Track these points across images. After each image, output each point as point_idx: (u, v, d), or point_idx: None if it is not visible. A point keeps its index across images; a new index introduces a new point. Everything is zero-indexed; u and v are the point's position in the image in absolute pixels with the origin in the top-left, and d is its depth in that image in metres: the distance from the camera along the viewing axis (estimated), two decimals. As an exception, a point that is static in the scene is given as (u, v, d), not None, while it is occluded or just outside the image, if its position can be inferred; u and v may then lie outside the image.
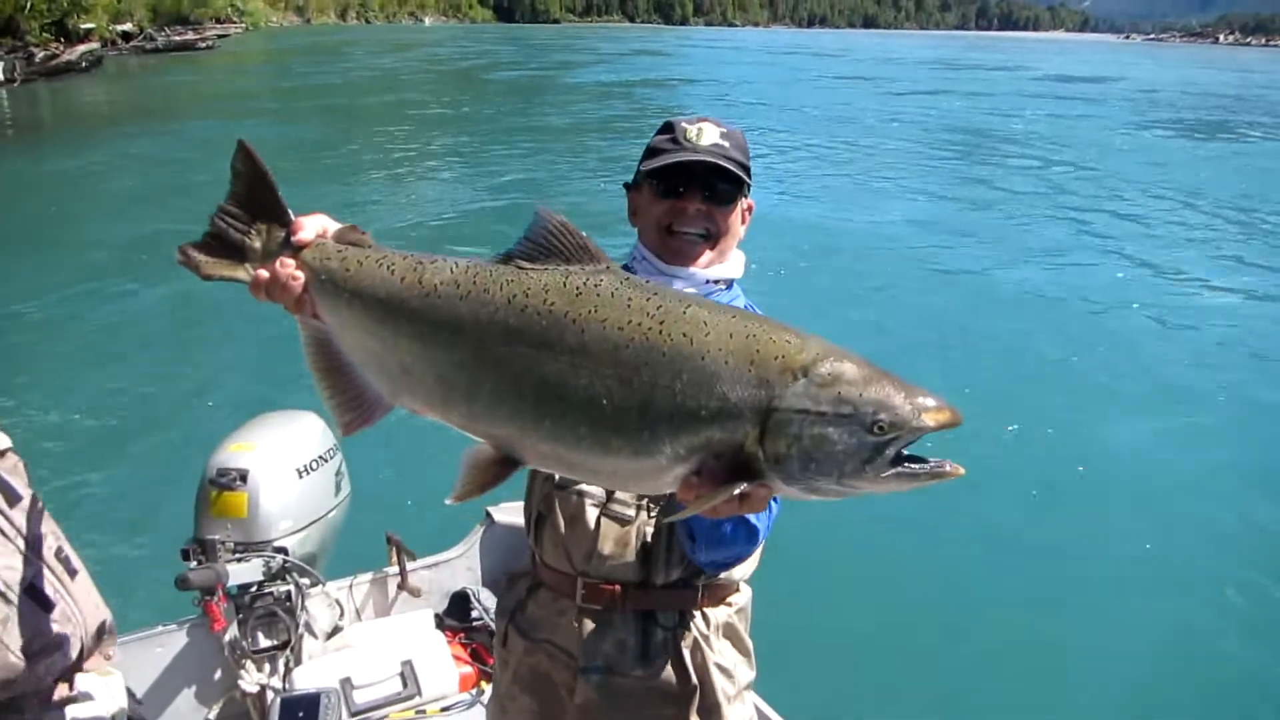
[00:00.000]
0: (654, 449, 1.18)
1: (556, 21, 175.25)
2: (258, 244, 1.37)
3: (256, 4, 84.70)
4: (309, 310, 1.34)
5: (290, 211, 1.38)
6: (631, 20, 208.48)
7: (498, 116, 26.50)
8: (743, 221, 1.86)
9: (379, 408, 1.34)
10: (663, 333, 1.18)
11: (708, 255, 1.78)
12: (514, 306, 1.22)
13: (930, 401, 1.16)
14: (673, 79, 41.74)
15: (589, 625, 1.83)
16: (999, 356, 8.40)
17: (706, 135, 1.76)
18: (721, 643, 1.89)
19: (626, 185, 1.91)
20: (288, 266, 1.33)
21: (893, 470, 1.15)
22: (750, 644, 1.97)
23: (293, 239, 1.35)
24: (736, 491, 1.17)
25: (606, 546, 1.81)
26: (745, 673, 1.95)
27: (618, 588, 1.81)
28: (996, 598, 4.87)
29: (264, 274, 1.34)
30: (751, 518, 1.63)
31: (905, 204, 14.78)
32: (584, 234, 1.29)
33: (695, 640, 1.85)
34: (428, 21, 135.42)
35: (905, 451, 1.16)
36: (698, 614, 1.86)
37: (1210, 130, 27.87)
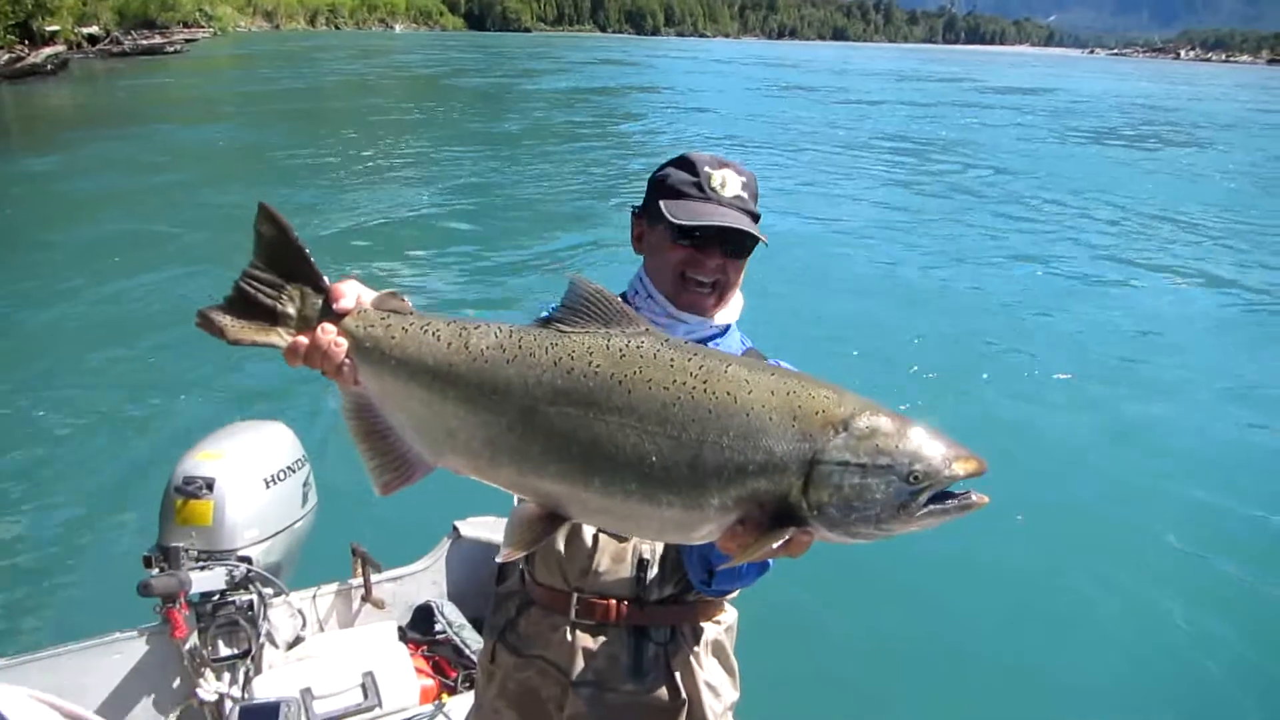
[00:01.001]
0: (703, 502, 1.26)
1: (528, 30, 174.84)
2: (292, 310, 1.38)
3: (225, 9, 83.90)
4: (350, 377, 1.36)
5: (325, 277, 1.39)
6: (603, 30, 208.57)
7: (460, 121, 26.70)
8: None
9: (420, 469, 1.38)
10: (707, 391, 1.26)
11: (717, 306, 1.83)
12: (560, 369, 1.28)
13: (960, 452, 1.27)
14: (632, 87, 42.15)
15: (582, 640, 1.86)
16: (946, 357, 8.57)
17: (730, 185, 1.78)
18: (710, 660, 1.93)
19: (633, 210, 1.92)
20: (330, 333, 1.35)
21: (926, 511, 1.25)
22: (736, 664, 2.01)
23: (334, 306, 1.37)
24: (783, 539, 1.25)
25: (603, 563, 1.85)
26: (730, 692, 1.98)
27: (612, 603, 1.85)
28: (982, 619, 4.87)
29: (304, 341, 1.36)
30: None
31: (839, 207, 15.39)
32: (619, 298, 1.35)
33: (685, 656, 1.88)
34: (398, 29, 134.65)
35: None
36: (688, 629, 1.90)
37: (1132, 139, 28.81)
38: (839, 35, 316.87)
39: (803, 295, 9.93)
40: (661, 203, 1.78)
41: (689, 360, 1.29)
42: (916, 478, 1.23)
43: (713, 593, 1.84)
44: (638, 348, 1.29)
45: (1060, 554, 5.46)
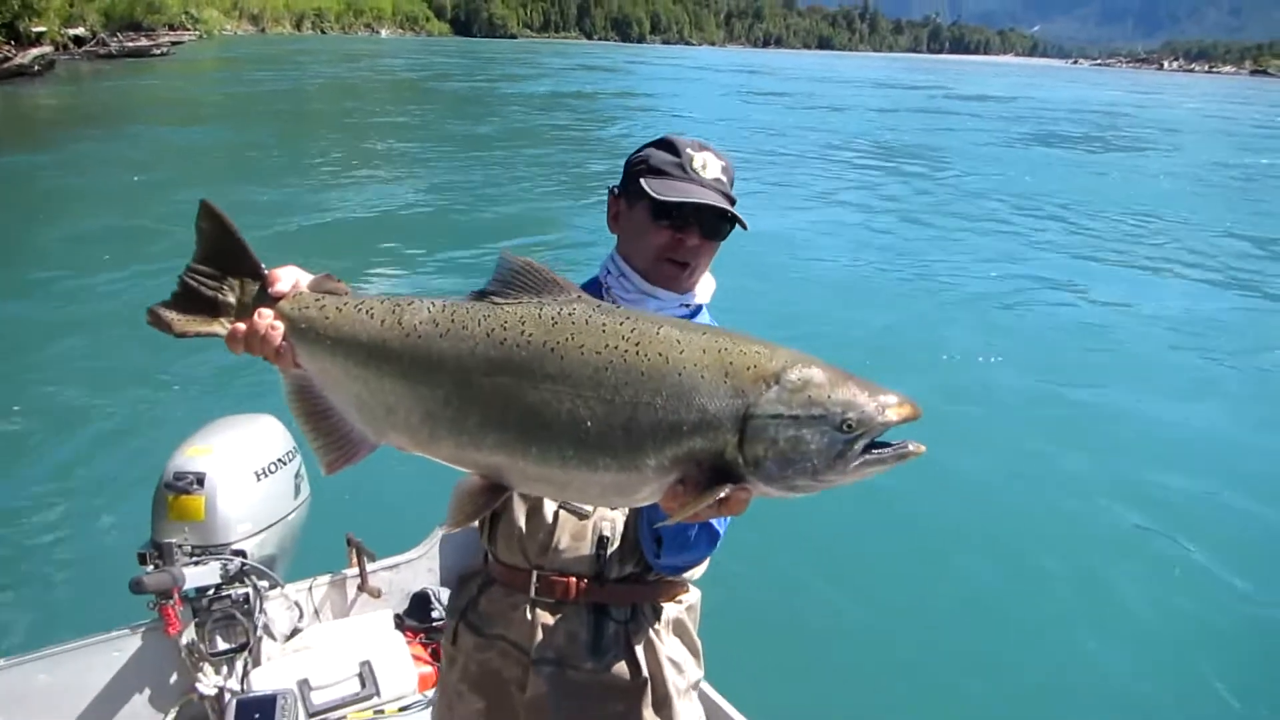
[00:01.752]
0: (639, 463, 1.26)
1: (513, 36, 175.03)
2: (232, 299, 1.42)
3: (211, 12, 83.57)
4: (289, 359, 1.38)
5: (263, 265, 1.42)
6: (589, 37, 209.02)
7: (439, 123, 27.15)
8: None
9: (364, 447, 1.40)
10: (639, 353, 1.26)
11: (691, 280, 1.83)
12: (493, 340, 1.29)
13: (893, 398, 1.27)
14: (609, 92, 42.79)
15: (542, 618, 1.86)
16: (909, 348, 8.87)
17: (710, 168, 1.79)
18: (671, 638, 1.93)
19: (611, 190, 1.91)
20: (266, 318, 1.38)
21: (862, 460, 1.25)
22: (699, 643, 2.01)
23: (269, 290, 1.40)
24: (720, 496, 1.25)
25: (563, 540, 1.85)
26: (694, 670, 1.98)
27: (572, 580, 1.85)
28: (946, 589, 5.02)
29: (242, 327, 1.39)
30: (715, 522, 1.71)
31: (806, 207, 16.08)
32: (549, 269, 1.36)
33: (647, 634, 1.88)
34: (384, 33, 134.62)
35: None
36: (649, 608, 1.90)
37: (1096, 145, 30.02)
38: (824, 44, 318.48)
39: (767, 290, 10.13)
40: (643, 180, 1.77)
41: (621, 324, 1.30)
42: (850, 426, 1.23)
43: (666, 568, 1.84)
44: (569, 314, 1.30)
45: (1021, 536, 5.62)
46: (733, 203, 1.81)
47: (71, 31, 47.26)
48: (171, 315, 1.41)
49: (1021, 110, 43.54)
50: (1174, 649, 4.71)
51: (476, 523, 2.02)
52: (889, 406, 1.26)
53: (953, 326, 9.72)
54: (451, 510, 1.37)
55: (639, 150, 1.87)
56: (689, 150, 1.80)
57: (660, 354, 1.26)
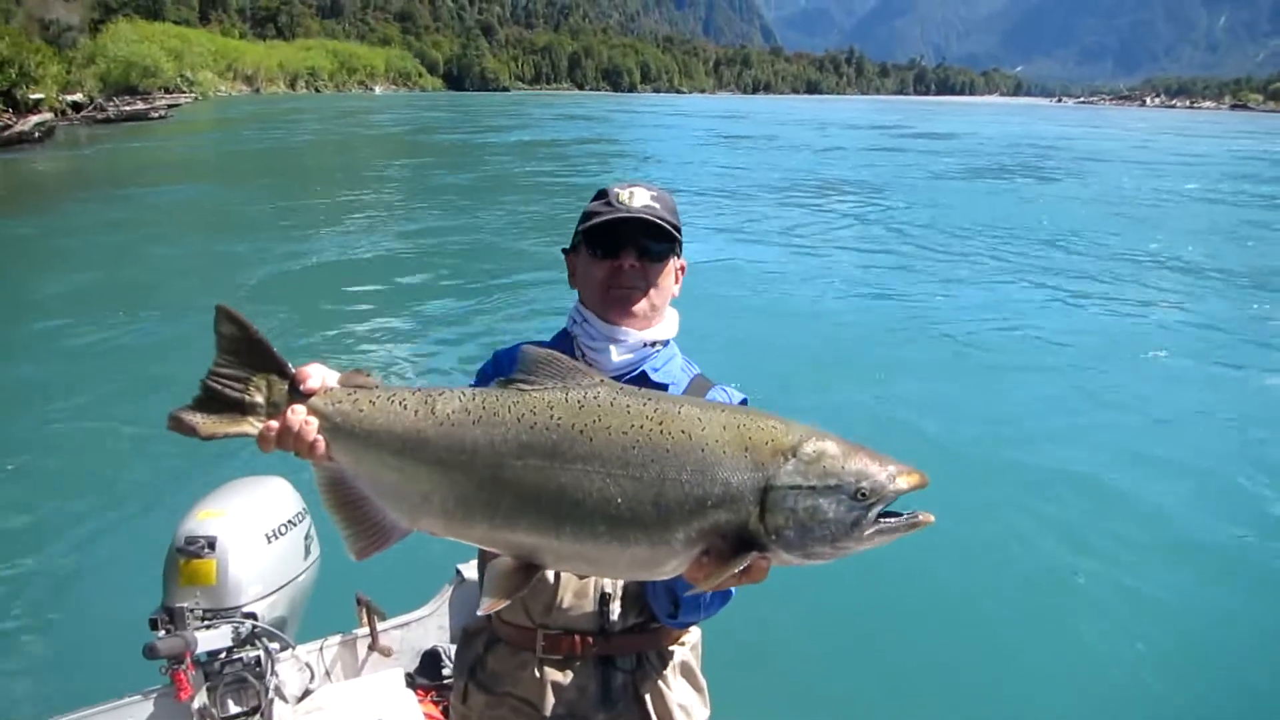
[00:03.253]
0: (668, 537, 1.33)
1: (506, 89, 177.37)
2: (259, 398, 1.45)
3: (206, 74, 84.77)
4: (323, 454, 1.42)
5: (289, 364, 1.47)
6: (580, 88, 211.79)
7: (426, 175, 28.24)
8: (676, 281, 1.96)
9: (395, 533, 1.44)
10: (664, 432, 1.34)
11: (643, 305, 1.88)
12: (524, 425, 1.36)
13: (902, 468, 1.35)
14: (590, 139, 43.96)
15: (550, 675, 1.89)
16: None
17: (638, 198, 1.86)
18: (679, 681, 1.97)
19: (564, 250, 2.01)
20: (299, 414, 1.42)
21: (876, 528, 1.32)
22: (704, 682, 2.05)
23: (301, 388, 1.44)
24: (744, 566, 1.32)
25: (566, 598, 1.89)
26: (701, 710, 2.02)
27: (577, 637, 1.89)
28: (948, 627, 5.03)
29: (274, 425, 1.43)
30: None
31: (768, 242, 16.78)
32: (569, 357, 1.44)
33: (653, 681, 1.92)
34: (378, 90, 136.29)
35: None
36: (654, 655, 1.94)
37: (1042, 175, 31.53)
38: (812, 89, 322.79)
39: (718, 323, 10.36)
40: (578, 229, 1.90)
41: (644, 404, 1.37)
42: (864, 494, 1.31)
43: (678, 625, 1.90)
44: (594, 398, 1.37)
45: (1030, 548, 5.75)
46: (676, 229, 1.88)
47: (69, 98, 47.80)
48: (197, 419, 1.44)
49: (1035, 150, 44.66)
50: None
51: (478, 576, 2.06)
52: (899, 475, 1.34)
53: (904, 353, 10.12)
54: (488, 590, 1.41)
55: None
56: (615, 189, 1.89)
57: (684, 431, 1.33)
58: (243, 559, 2.93)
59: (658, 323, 1.92)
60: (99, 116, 47.70)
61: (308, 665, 3.16)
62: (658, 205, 1.87)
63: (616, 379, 1.62)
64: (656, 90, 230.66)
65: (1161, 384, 9.37)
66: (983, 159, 37.77)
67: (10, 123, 35.45)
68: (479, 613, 1.47)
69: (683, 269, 1.99)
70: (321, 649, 3.25)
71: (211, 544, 2.91)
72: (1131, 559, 5.75)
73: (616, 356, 1.86)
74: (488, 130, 48.71)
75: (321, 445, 1.41)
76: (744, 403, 1.93)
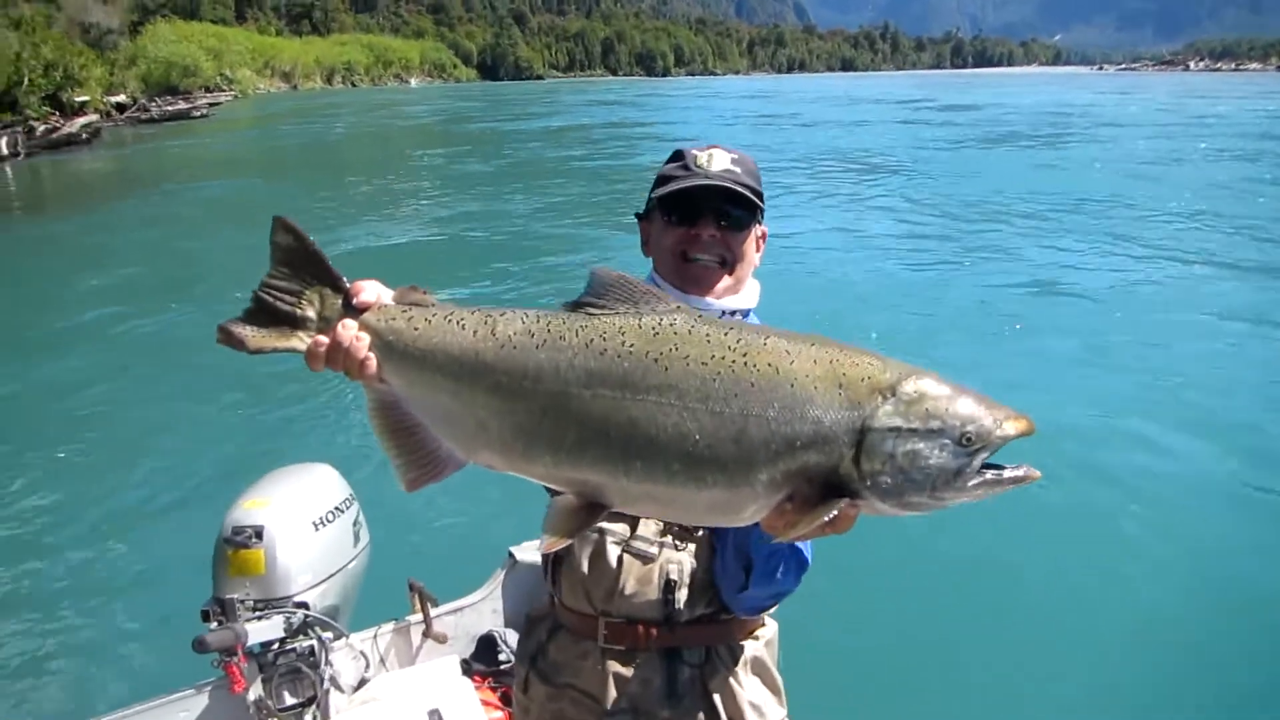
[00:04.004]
0: (750, 479, 1.20)
1: (540, 78, 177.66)
2: (311, 312, 1.36)
3: (244, 72, 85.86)
4: (374, 374, 1.32)
5: (344, 277, 1.37)
6: (614, 74, 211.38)
7: (462, 162, 28.85)
8: (757, 249, 1.85)
9: (450, 464, 1.33)
10: (748, 364, 1.21)
11: (725, 281, 1.77)
12: (592, 351, 1.23)
13: (1009, 412, 1.22)
14: (617, 122, 44.40)
15: (613, 666, 1.80)
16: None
17: (717, 161, 1.75)
18: (750, 679, 1.86)
19: (638, 215, 1.90)
20: (349, 329, 1.32)
21: (980, 479, 1.19)
22: (780, 680, 1.93)
23: (353, 303, 1.34)
24: (832, 515, 1.19)
25: (629, 584, 1.79)
26: (776, 710, 1.90)
27: (640, 627, 1.79)
28: (1040, 621, 4.79)
29: (324, 340, 1.33)
30: (803, 549, 1.66)
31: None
32: (644, 281, 1.32)
33: (723, 677, 1.81)
34: (413, 83, 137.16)
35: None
36: (724, 649, 1.83)
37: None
38: (847, 66, 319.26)
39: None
40: (653, 192, 1.78)
41: (725, 334, 1.25)
42: (969, 439, 1.18)
43: (749, 606, 1.77)
44: (670, 324, 1.25)
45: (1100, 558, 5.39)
46: (757, 194, 1.76)
47: (113, 99, 48.75)
48: (245, 331, 1.35)
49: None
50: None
51: (540, 561, 1.97)
52: (1006, 420, 1.21)
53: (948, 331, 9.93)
54: (547, 527, 1.29)
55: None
56: (693, 151, 1.78)
57: (770, 364, 1.21)
58: (291, 548, 2.89)
59: (738, 293, 1.81)
60: (143, 117, 48.66)
61: (362, 654, 3.12)
62: (738, 169, 1.76)
63: None
64: (691, 73, 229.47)
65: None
66: (1006, 128, 37.53)
67: (59, 125, 36.23)
68: (539, 550, 1.36)
69: (764, 236, 1.87)
70: (375, 637, 3.21)
71: (259, 533, 2.87)
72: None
73: None
74: (520, 118, 49.23)
75: (372, 364, 1.31)
76: None
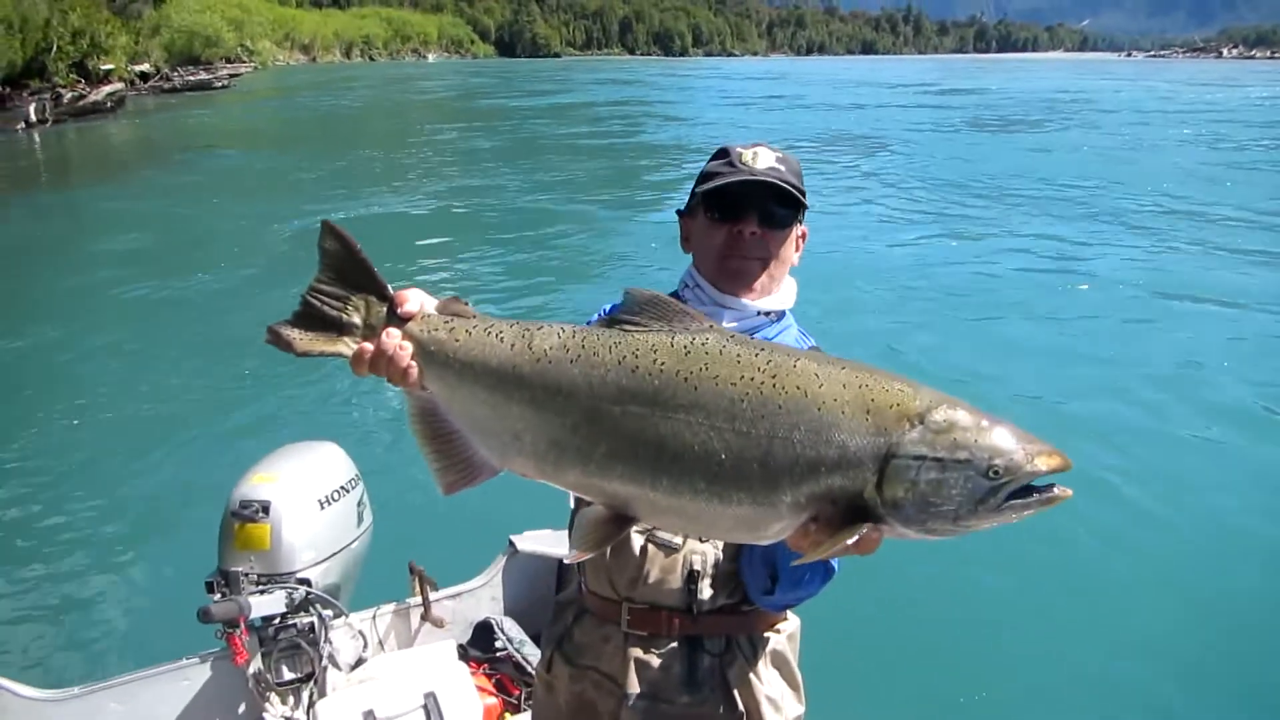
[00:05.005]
0: (775, 499, 1.22)
1: (557, 55, 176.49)
2: (357, 319, 1.40)
3: (264, 43, 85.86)
4: (415, 381, 1.36)
5: (389, 285, 1.41)
6: (631, 52, 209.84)
7: (477, 137, 28.96)
8: (796, 249, 1.85)
9: (485, 471, 1.38)
10: (777, 386, 1.23)
11: (763, 281, 1.77)
12: (625, 367, 1.27)
13: (1043, 448, 1.21)
14: (622, 100, 45.01)
15: (634, 652, 1.81)
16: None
17: (763, 159, 1.75)
18: (770, 672, 1.87)
19: (679, 212, 1.91)
20: (394, 338, 1.36)
21: (1006, 506, 1.20)
22: (799, 676, 1.94)
23: (397, 311, 1.38)
24: (854, 539, 1.21)
25: (652, 573, 1.80)
26: (794, 706, 1.91)
27: (663, 614, 1.80)
28: (1064, 621, 4.73)
29: (369, 347, 1.37)
30: (831, 560, 1.67)
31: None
32: (676, 299, 1.35)
33: (742, 668, 1.83)
34: (431, 58, 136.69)
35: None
36: (744, 640, 1.84)
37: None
38: (868, 49, 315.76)
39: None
40: (696, 189, 1.79)
41: (756, 355, 1.26)
42: (996, 472, 1.19)
43: (773, 606, 1.80)
44: (703, 344, 1.28)
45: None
46: (801, 192, 1.76)
47: (137, 68, 48.87)
48: (294, 334, 1.39)
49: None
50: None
51: (545, 550, 2.00)
52: (1038, 455, 1.21)
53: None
54: (575, 540, 1.34)
55: None
56: (738, 149, 1.78)
57: (799, 387, 1.23)
58: (296, 524, 2.93)
59: (774, 293, 1.81)
60: (165, 86, 48.83)
61: (361, 633, 3.16)
62: (783, 168, 1.75)
63: None
64: (709, 54, 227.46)
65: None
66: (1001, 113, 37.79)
67: (85, 92, 36.35)
68: (565, 560, 1.40)
69: (804, 235, 1.87)
70: (375, 618, 3.25)
71: (265, 509, 2.91)
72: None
73: (728, 324, 1.74)
74: (532, 95, 49.57)
75: (414, 372, 1.36)
76: None
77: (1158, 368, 8.26)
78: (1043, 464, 1.20)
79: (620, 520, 1.32)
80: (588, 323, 1.87)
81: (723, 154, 1.80)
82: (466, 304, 1.41)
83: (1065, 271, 11.69)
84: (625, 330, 1.31)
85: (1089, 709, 4.19)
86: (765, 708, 1.83)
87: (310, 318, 1.40)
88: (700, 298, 1.78)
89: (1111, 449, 6.53)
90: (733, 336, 1.30)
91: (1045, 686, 4.29)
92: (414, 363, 1.35)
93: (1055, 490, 1.21)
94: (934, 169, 20.85)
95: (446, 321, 1.38)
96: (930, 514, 1.20)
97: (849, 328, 8.91)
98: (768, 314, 1.80)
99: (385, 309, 1.39)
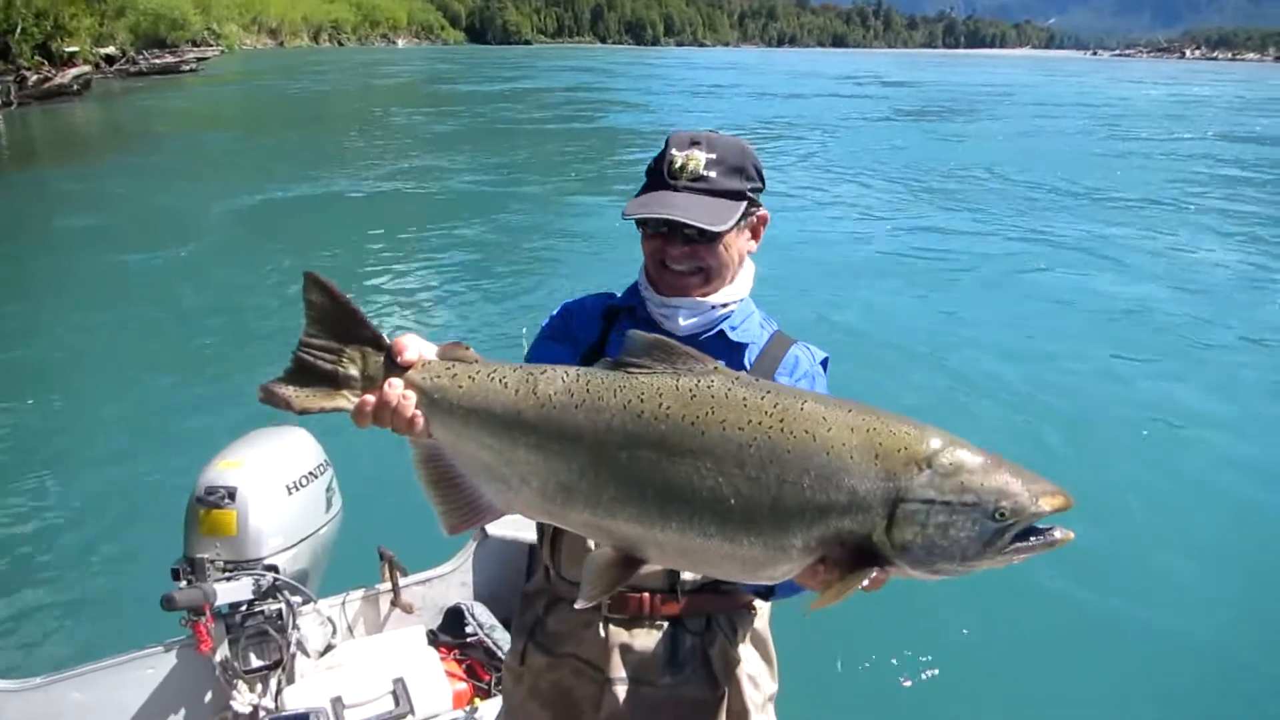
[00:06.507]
0: (785, 543, 1.24)
1: (528, 43, 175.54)
2: (354, 371, 1.38)
3: (231, 27, 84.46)
4: (421, 430, 1.35)
5: (384, 335, 1.39)
6: (603, 41, 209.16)
7: (441, 121, 29.27)
8: (755, 236, 1.83)
9: (490, 513, 1.38)
10: (784, 430, 1.23)
11: (701, 288, 1.77)
12: (630, 412, 1.27)
13: (1046, 488, 1.24)
14: (579, 86, 46.00)
15: (616, 635, 1.82)
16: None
17: (693, 166, 1.71)
18: (749, 650, 1.89)
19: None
20: (396, 388, 1.35)
21: (1010, 548, 1.23)
22: (774, 654, 1.96)
23: (397, 360, 1.37)
24: (865, 583, 1.24)
25: None
26: (769, 684, 1.94)
27: (645, 596, 1.81)
28: (1030, 610, 4.75)
29: (371, 399, 1.36)
30: None
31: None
32: (679, 343, 1.35)
33: (723, 646, 1.84)
34: (400, 43, 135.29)
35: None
36: (723, 619, 1.86)
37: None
38: (839, 42, 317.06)
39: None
40: (635, 197, 1.78)
41: (762, 399, 1.27)
42: (1003, 514, 1.22)
43: (768, 600, 1.85)
44: (708, 387, 1.28)
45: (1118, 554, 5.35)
46: (737, 194, 1.73)
47: (103, 50, 47.91)
48: (289, 392, 1.37)
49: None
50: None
51: (515, 535, 2.00)
52: (1042, 496, 1.24)
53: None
54: (586, 585, 1.35)
55: None
56: (673, 151, 1.74)
57: (807, 431, 1.24)
58: (263, 510, 2.89)
59: (726, 285, 1.80)
60: (131, 70, 47.89)
61: (329, 620, 3.13)
62: (714, 173, 1.71)
63: (692, 340, 1.55)
64: (680, 43, 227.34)
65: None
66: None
67: (50, 75, 35.59)
68: (577, 606, 1.40)
69: (764, 220, 1.84)
70: (344, 604, 3.23)
71: (231, 494, 2.87)
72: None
73: (685, 321, 1.77)
74: (500, 80, 50.07)
75: (421, 421, 1.35)
76: (825, 361, 1.84)
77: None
78: (1046, 504, 1.22)
79: (629, 562, 1.33)
80: (549, 320, 1.89)
81: (662, 153, 1.77)
82: (468, 348, 1.40)
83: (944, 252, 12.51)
84: (630, 373, 1.31)
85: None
86: (745, 685, 1.85)
87: (304, 373, 1.38)
88: (652, 297, 1.79)
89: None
90: (737, 378, 1.31)
91: (1014, 671, 4.36)
92: (419, 412, 1.35)
93: (1057, 534, 1.24)
94: (857, 154, 22.16)
95: (448, 368, 1.37)
96: (938, 556, 1.23)
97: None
98: (724, 305, 1.80)
99: (383, 359, 1.38)
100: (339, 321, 1.38)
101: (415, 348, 1.38)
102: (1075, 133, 29.13)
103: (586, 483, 1.28)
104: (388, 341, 1.39)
